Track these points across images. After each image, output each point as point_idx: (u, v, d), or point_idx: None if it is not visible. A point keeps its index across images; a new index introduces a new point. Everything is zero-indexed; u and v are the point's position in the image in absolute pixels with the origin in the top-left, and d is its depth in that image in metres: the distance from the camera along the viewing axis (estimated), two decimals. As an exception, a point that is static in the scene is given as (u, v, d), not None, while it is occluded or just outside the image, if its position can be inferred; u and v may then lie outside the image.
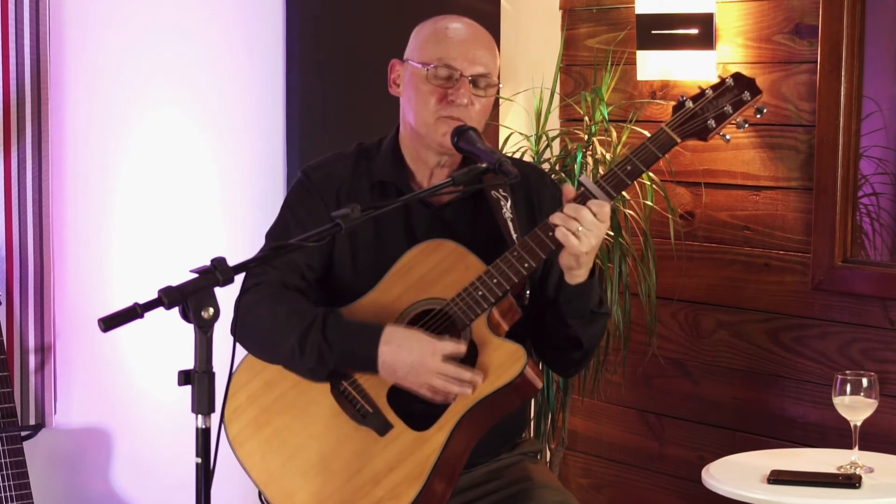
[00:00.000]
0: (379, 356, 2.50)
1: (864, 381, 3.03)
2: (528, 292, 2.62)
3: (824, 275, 3.63)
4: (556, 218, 2.48)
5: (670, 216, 3.86)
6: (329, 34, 3.71)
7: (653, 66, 3.92)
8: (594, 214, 2.46)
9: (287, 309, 2.58)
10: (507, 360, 2.51)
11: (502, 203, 2.64)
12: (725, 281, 3.90)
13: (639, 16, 3.92)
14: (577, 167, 3.82)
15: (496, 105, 3.88)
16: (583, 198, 2.50)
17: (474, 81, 2.62)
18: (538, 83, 4.09)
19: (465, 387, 2.50)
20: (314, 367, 2.54)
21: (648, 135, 3.78)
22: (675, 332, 4.01)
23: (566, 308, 2.58)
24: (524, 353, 2.51)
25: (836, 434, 3.55)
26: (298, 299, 2.62)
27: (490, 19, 3.81)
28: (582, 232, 2.45)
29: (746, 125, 2.62)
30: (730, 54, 3.79)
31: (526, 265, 2.51)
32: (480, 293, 2.51)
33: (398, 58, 2.72)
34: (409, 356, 2.48)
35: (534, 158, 3.94)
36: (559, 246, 2.49)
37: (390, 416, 2.54)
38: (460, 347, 2.51)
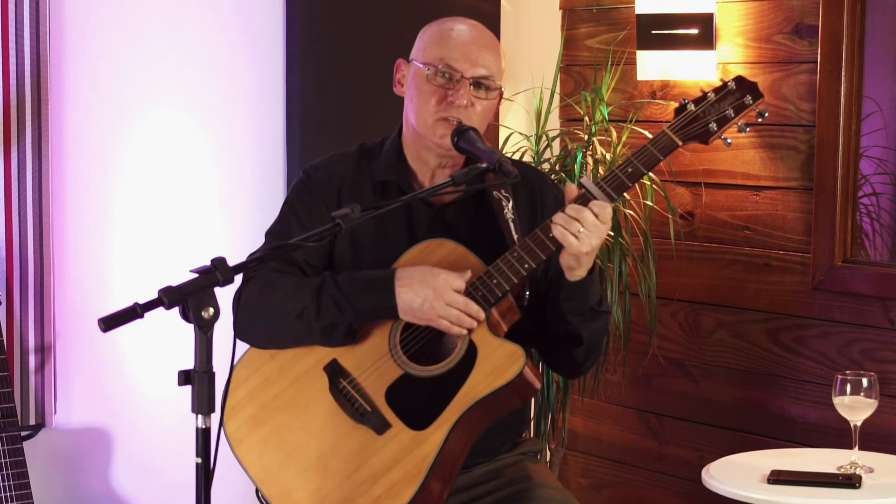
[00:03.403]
0: (397, 295, 2.50)
1: (864, 381, 3.03)
2: (527, 293, 2.63)
3: (824, 275, 3.63)
4: (557, 218, 2.48)
5: (670, 216, 3.86)
6: (329, 34, 3.71)
7: (653, 66, 3.92)
8: (595, 215, 2.47)
9: (293, 281, 2.59)
10: (505, 361, 2.51)
11: (504, 204, 2.65)
12: (725, 281, 3.90)
13: (639, 16, 3.92)
14: (577, 167, 3.82)
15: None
16: (584, 199, 2.51)
17: (476, 83, 2.62)
18: (538, 83, 4.09)
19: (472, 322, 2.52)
20: (330, 325, 2.53)
21: (649, 135, 3.83)
22: (675, 332, 4.01)
23: (566, 305, 2.59)
24: (523, 354, 2.51)
25: (836, 434, 3.55)
26: (299, 275, 2.63)
27: (490, 19, 3.81)
28: (583, 233, 2.46)
29: (748, 129, 2.62)
30: (730, 54, 3.79)
31: (526, 266, 2.51)
32: (480, 293, 2.52)
33: (398, 58, 2.73)
34: (423, 287, 2.49)
35: (534, 158, 3.94)
36: (559, 247, 2.50)
37: (388, 414, 2.54)
38: (465, 275, 2.52)
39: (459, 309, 2.50)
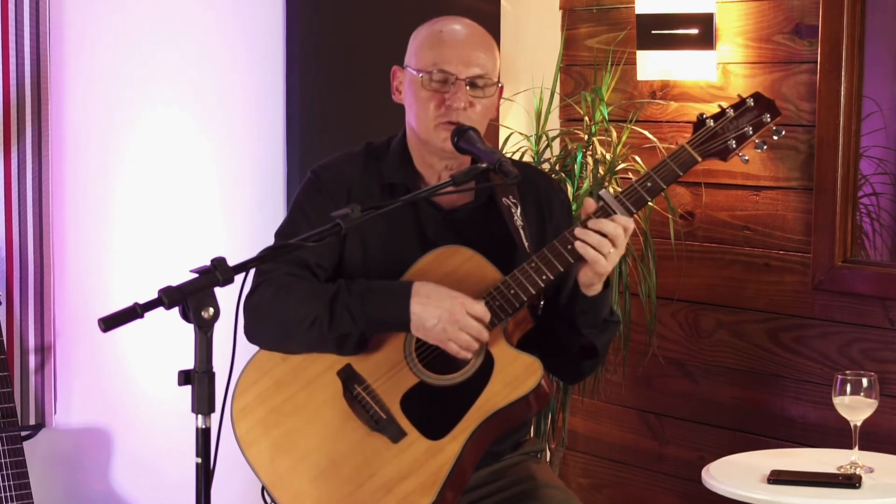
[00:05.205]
0: (411, 311, 2.48)
1: (864, 381, 3.03)
2: (542, 303, 2.61)
3: (824, 275, 3.63)
4: (585, 236, 2.46)
5: (670, 216, 3.86)
6: (329, 34, 3.71)
7: (653, 66, 3.92)
8: (624, 231, 2.47)
9: (307, 287, 2.56)
10: (522, 373, 2.50)
11: (513, 210, 2.63)
12: (725, 281, 3.90)
13: (639, 16, 3.92)
14: (577, 167, 3.82)
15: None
16: (604, 213, 2.49)
17: (472, 83, 2.60)
18: (538, 83, 4.09)
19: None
20: (344, 334, 2.51)
21: (649, 135, 3.84)
22: (675, 332, 4.01)
23: (581, 319, 2.57)
24: (540, 366, 2.50)
25: (836, 434, 3.55)
26: (313, 281, 2.60)
27: (490, 19, 3.81)
28: (612, 253, 2.45)
29: (765, 146, 2.61)
30: (730, 54, 3.79)
31: (544, 277, 2.50)
32: (498, 303, 2.50)
33: (398, 58, 2.71)
34: (438, 309, 2.47)
35: (534, 158, 3.94)
36: (577, 259, 2.48)
37: (404, 423, 2.52)
38: (487, 314, 2.49)
39: (472, 335, 2.48)
